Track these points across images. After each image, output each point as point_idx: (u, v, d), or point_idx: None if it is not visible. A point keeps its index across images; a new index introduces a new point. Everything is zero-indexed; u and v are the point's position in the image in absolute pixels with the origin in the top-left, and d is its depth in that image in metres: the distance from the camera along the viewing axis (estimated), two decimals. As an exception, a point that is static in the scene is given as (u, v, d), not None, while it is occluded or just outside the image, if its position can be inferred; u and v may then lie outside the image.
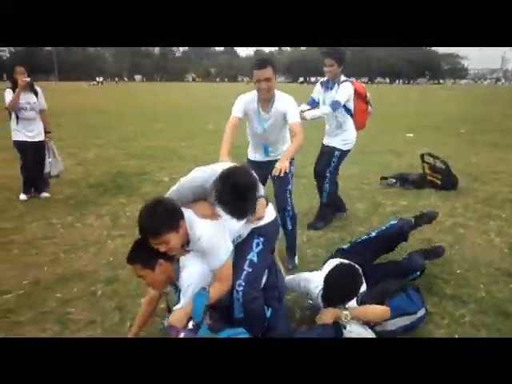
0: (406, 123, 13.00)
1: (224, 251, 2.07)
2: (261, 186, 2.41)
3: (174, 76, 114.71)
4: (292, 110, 2.97)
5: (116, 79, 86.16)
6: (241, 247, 2.25)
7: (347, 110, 4.01)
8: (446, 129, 11.55)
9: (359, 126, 4.19)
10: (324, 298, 2.32)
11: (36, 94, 5.07)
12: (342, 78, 3.90)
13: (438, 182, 5.29)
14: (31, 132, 5.05)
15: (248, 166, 2.11)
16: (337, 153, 4.10)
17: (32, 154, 5.10)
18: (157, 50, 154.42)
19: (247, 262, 2.19)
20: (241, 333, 2.06)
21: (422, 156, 5.53)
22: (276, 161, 2.83)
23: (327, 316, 2.25)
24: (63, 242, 3.82)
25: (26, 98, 4.96)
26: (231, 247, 2.13)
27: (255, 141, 3.30)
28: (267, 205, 2.35)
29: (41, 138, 5.15)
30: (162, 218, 1.93)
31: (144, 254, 2.07)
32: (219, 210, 2.04)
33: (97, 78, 69.77)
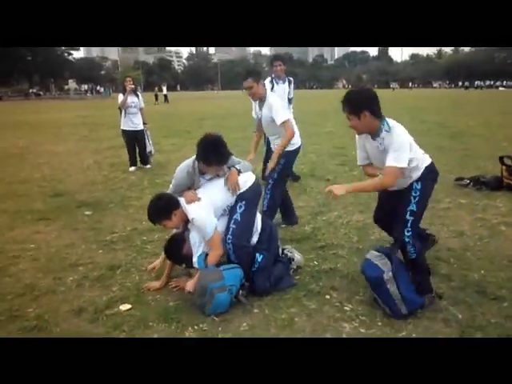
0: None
1: (210, 226, 2.84)
2: (236, 160, 3.16)
3: (324, 83, 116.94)
4: (275, 113, 3.73)
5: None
6: (230, 211, 3.04)
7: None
8: None
9: None
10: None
11: (137, 96, 7.22)
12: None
13: (515, 185, 5.12)
14: (133, 123, 7.16)
15: (215, 133, 2.94)
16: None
17: (134, 139, 7.24)
18: (310, 58, 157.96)
19: (233, 220, 2.97)
20: (235, 267, 2.89)
21: (502, 158, 5.37)
22: None
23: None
24: (162, 207, 5.18)
25: (131, 99, 7.10)
26: (215, 221, 2.89)
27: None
28: (239, 174, 3.03)
29: (141, 127, 7.27)
30: (156, 212, 2.91)
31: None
32: (199, 192, 2.94)
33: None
